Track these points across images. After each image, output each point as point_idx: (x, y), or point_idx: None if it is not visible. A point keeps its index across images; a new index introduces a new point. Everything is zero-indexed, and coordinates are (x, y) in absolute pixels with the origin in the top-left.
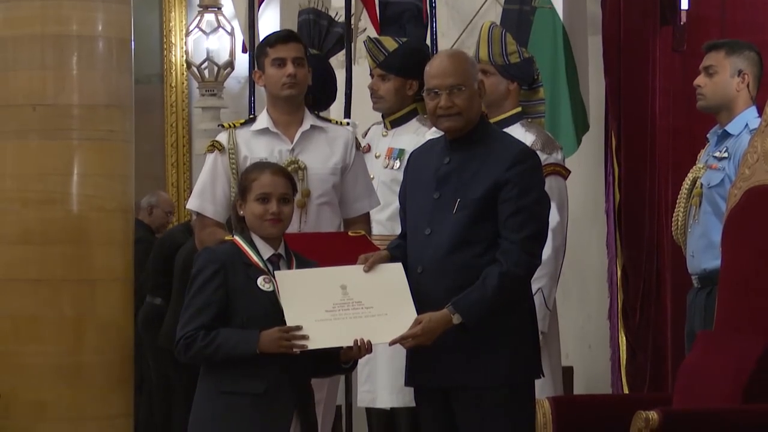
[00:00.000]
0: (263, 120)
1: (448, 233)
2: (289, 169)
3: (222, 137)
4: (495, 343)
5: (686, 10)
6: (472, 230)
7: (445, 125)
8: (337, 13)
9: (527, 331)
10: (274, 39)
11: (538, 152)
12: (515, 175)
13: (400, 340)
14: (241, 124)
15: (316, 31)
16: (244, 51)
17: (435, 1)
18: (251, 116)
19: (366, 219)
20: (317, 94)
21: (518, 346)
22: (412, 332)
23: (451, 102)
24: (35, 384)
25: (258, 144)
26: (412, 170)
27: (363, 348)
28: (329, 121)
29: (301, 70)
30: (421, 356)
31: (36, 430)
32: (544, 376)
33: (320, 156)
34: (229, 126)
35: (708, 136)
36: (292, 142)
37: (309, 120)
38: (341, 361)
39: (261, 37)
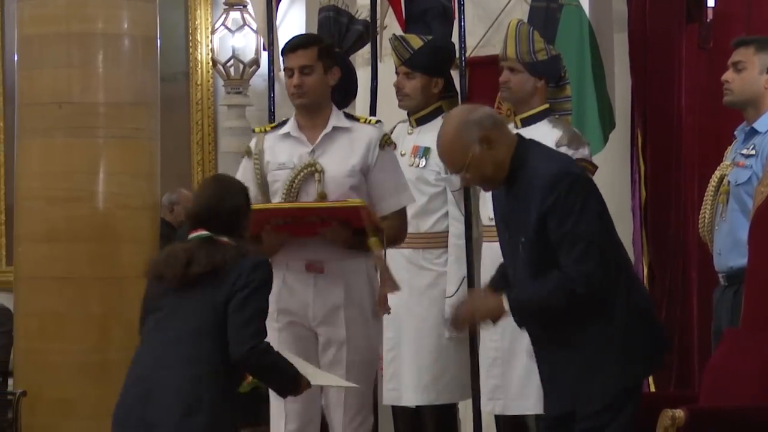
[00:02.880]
0: (289, 124)
1: (523, 274)
2: (306, 171)
3: (252, 142)
4: (601, 359)
5: (712, 8)
6: (540, 266)
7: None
8: (357, 11)
9: (632, 330)
10: (286, 48)
11: (564, 148)
12: (551, 205)
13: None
14: (272, 128)
15: (336, 29)
16: (264, 49)
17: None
18: (283, 119)
19: (397, 216)
20: (337, 91)
21: (626, 353)
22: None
23: (465, 180)
24: (61, 382)
25: (281, 148)
26: (495, 205)
27: None
28: (358, 119)
29: (308, 78)
30: (545, 384)
31: (62, 428)
32: (662, 367)
33: (339, 158)
34: (261, 130)
35: (735, 133)
36: (313, 145)
37: (333, 121)
38: None
39: (280, 35)
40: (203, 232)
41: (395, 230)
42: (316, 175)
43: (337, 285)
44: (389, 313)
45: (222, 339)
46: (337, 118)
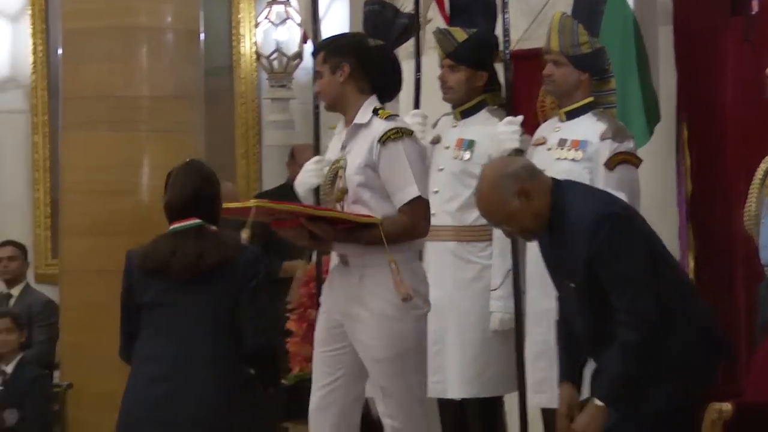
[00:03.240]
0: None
1: (580, 317)
2: (334, 167)
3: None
4: (657, 379)
5: (758, 0)
6: (594, 307)
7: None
8: (402, 4)
9: (689, 351)
10: None
11: (609, 141)
12: (597, 249)
13: None
14: None
15: (381, 22)
16: (304, 41)
17: None
18: None
19: (407, 209)
20: (381, 85)
21: (681, 372)
22: None
23: (508, 233)
24: (105, 375)
25: (333, 144)
26: (541, 251)
27: None
28: (378, 114)
29: (320, 83)
30: None
31: (107, 420)
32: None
33: (354, 155)
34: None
35: None
36: (343, 142)
37: (358, 118)
38: None
39: (323, 28)
40: (195, 221)
41: (399, 225)
42: (340, 171)
43: (354, 279)
44: (408, 298)
45: (237, 332)
46: (363, 114)
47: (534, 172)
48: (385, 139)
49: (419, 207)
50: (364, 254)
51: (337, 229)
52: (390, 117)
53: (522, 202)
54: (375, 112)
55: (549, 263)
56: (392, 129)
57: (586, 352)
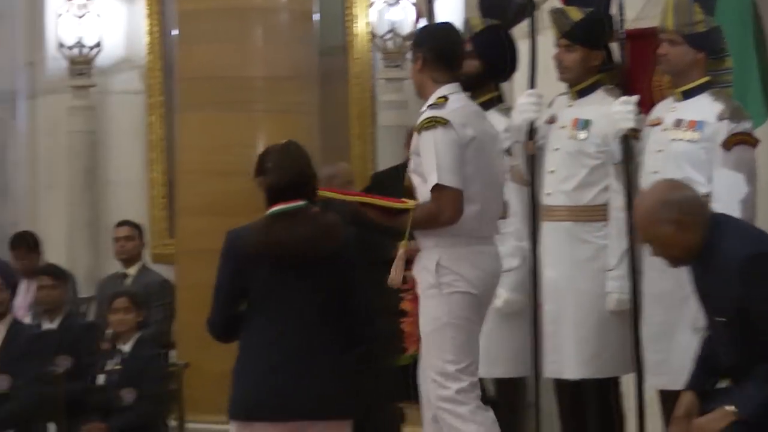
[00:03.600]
0: None
1: (728, 351)
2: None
3: None
4: None
5: None
6: (744, 341)
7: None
8: None
9: None
10: None
11: (726, 122)
12: (749, 288)
13: None
14: None
15: (497, 2)
16: (417, 21)
17: None
18: None
19: (433, 196)
20: (494, 65)
21: None
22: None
23: (654, 252)
24: (220, 355)
25: None
26: (692, 280)
27: None
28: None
29: (411, 70)
30: None
31: (223, 400)
32: None
33: None
34: None
35: None
36: None
37: (424, 107)
38: None
39: (437, 9)
40: (300, 203)
41: (425, 211)
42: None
43: (416, 259)
44: (392, 284)
45: (344, 317)
46: (429, 101)
47: (696, 207)
48: (420, 128)
49: (443, 195)
50: (419, 238)
51: (384, 215)
52: (433, 106)
53: (674, 231)
54: (433, 101)
55: (699, 294)
56: (427, 118)
57: (724, 374)
